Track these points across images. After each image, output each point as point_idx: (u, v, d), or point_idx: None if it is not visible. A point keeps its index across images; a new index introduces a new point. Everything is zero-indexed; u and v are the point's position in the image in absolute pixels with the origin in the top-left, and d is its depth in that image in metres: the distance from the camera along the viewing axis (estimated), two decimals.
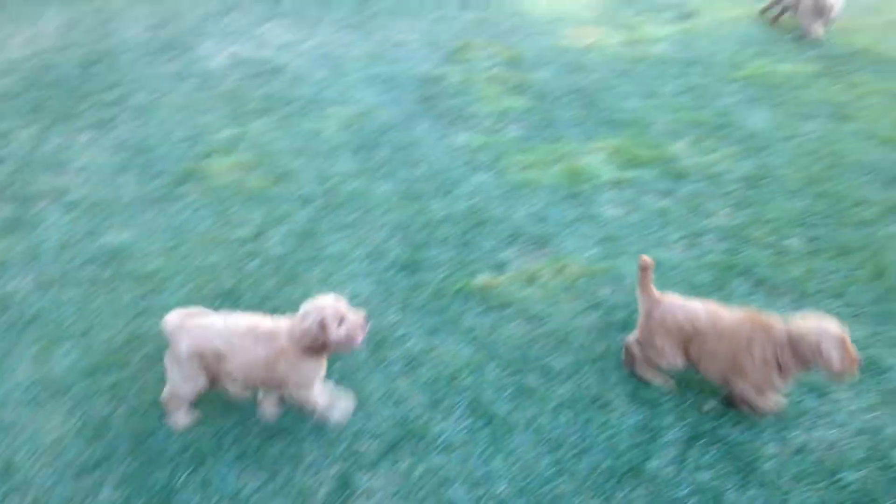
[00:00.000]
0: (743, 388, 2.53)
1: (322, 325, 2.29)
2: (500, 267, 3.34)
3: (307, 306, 2.34)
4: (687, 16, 6.29)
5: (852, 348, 2.35)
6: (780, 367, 2.44)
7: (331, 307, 2.32)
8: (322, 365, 2.47)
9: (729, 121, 4.52)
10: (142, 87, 4.86)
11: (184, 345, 2.41)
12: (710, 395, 2.66)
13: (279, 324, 2.41)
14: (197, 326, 2.44)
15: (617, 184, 3.92)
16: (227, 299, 3.13)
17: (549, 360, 2.85)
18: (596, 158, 4.14)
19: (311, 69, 5.10)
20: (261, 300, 3.14)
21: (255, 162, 4.05)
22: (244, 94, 4.74)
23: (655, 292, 2.64)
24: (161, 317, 2.50)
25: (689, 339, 2.58)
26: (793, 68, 5.20)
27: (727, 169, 4.04)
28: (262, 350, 2.38)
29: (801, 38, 5.60)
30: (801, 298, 3.12)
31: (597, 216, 3.68)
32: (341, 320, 2.32)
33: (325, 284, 3.20)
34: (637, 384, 2.71)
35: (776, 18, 5.94)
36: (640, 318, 2.68)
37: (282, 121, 4.46)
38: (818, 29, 5.47)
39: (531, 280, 3.25)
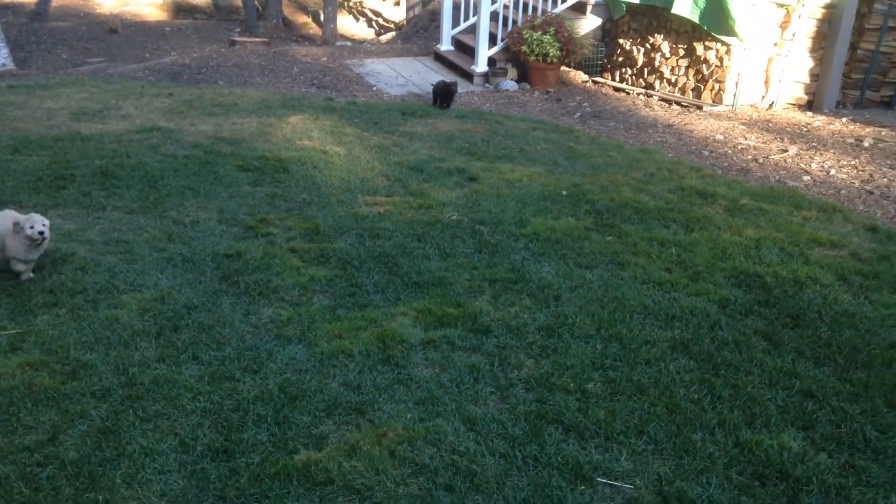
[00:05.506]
0: None
1: None
2: (319, 442, 3.26)
3: None
4: (470, 180, 6.78)
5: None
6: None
7: None
8: None
9: (522, 275, 4.84)
10: None
11: None
12: None
13: None
14: None
15: (427, 344, 4.02)
16: None
17: None
18: (404, 321, 4.24)
19: (100, 256, 4.88)
20: None
21: (44, 359, 3.74)
22: (26, 288, 4.42)
23: None
24: None
25: None
26: (568, 223, 5.72)
27: (526, 321, 4.28)
28: None
29: None
30: (608, 439, 3.30)
31: (411, 378, 3.72)
32: None
33: (132, 485, 2.96)
34: None
35: None
36: None
37: (71, 313, 4.19)
38: None
39: (352, 452, 3.18)
